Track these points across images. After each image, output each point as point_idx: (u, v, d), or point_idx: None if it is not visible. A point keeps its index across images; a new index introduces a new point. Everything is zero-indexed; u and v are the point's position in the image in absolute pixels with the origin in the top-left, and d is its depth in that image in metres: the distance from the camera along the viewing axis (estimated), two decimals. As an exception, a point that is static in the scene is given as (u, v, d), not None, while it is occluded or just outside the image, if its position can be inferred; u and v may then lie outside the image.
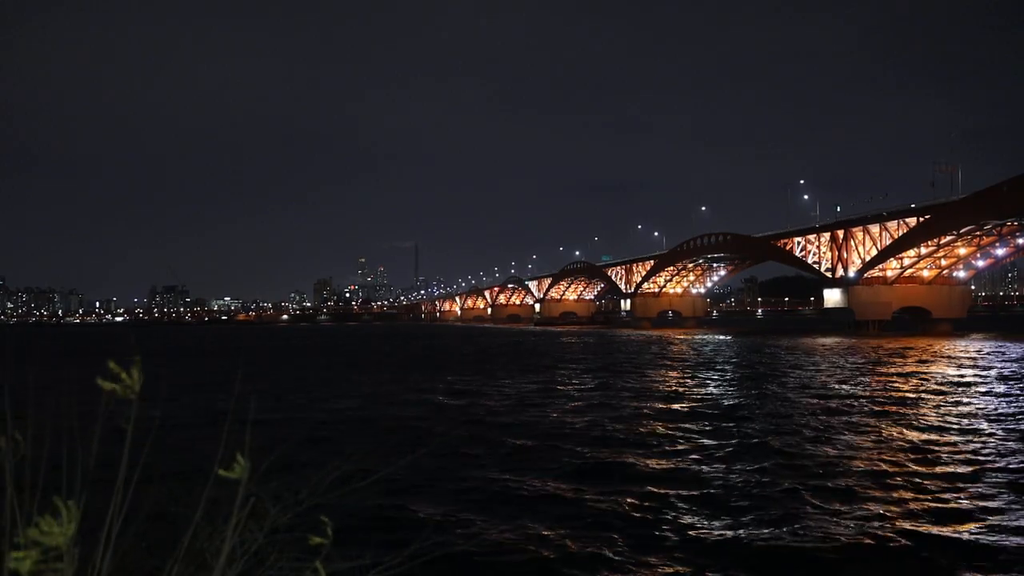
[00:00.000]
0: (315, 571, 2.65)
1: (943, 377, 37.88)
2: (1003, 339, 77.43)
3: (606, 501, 14.11)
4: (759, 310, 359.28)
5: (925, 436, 20.76)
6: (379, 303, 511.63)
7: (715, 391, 33.68)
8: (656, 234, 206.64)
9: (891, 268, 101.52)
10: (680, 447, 19.73)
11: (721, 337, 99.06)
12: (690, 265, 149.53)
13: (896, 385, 34.50)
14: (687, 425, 23.37)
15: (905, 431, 21.64)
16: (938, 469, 16.58)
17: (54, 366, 51.63)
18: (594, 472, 16.82)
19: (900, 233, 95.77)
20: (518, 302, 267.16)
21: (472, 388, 36.14)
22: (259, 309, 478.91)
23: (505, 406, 28.91)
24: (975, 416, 24.45)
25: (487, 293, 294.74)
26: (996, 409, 25.98)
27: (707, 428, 22.79)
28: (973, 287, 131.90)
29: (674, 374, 43.03)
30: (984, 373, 39.73)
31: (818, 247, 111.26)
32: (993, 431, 21.40)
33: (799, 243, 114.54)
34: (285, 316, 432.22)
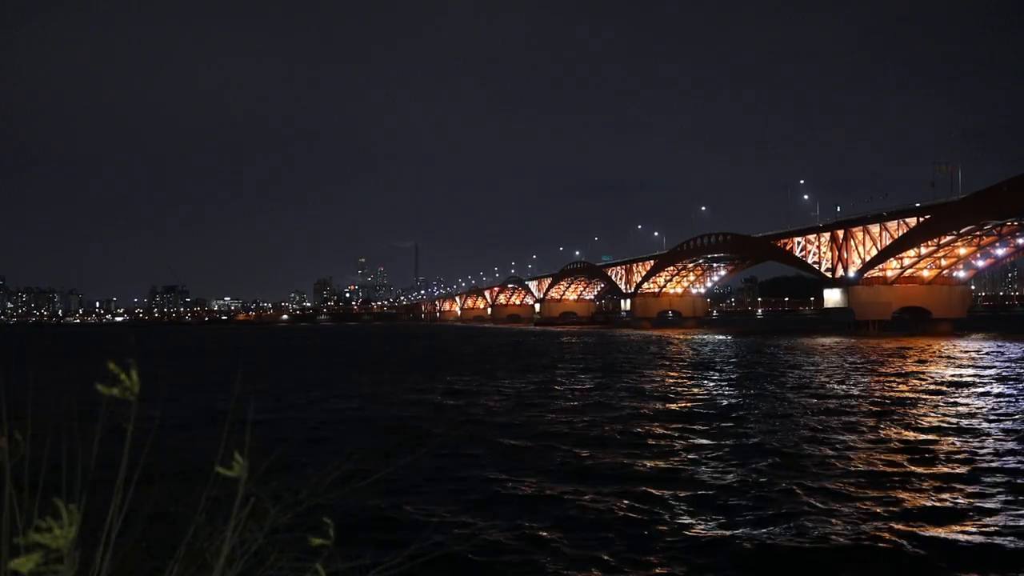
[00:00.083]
0: (315, 572, 2.65)
1: (942, 377, 37.89)
2: (1003, 339, 77.43)
3: (604, 501, 14.12)
4: (759, 310, 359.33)
5: (923, 436, 20.76)
6: (379, 303, 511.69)
7: (714, 391, 33.69)
8: (656, 234, 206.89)
9: (891, 268, 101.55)
10: (678, 447, 19.74)
11: (721, 337, 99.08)
12: (690, 265, 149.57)
13: (895, 385, 34.51)
14: (685, 425, 23.37)
15: (903, 431, 21.65)
16: (936, 469, 16.59)
17: (54, 366, 51.70)
18: (593, 472, 16.84)
19: (900, 233, 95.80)
20: (518, 302, 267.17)
21: (472, 388, 36.15)
22: (259, 309, 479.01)
23: (504, 406, 28.92)
24: (973, 416, 24.45)
25: (487, 293, 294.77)
26: (995, 409, 25.97)
27: (705, 428, 22.80)
28: (973, 287, 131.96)
29: (673, 374, 43.04)
30: (983, 373, 39.73)
31: (818, 247, 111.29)
32: (992, 431, 21.41)
33: (799, 243, 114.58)
34: (285, 316, 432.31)
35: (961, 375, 38.85)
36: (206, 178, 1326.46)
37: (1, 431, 2.59)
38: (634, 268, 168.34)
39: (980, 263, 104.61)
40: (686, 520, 12.91)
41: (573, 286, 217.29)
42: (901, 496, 14.26)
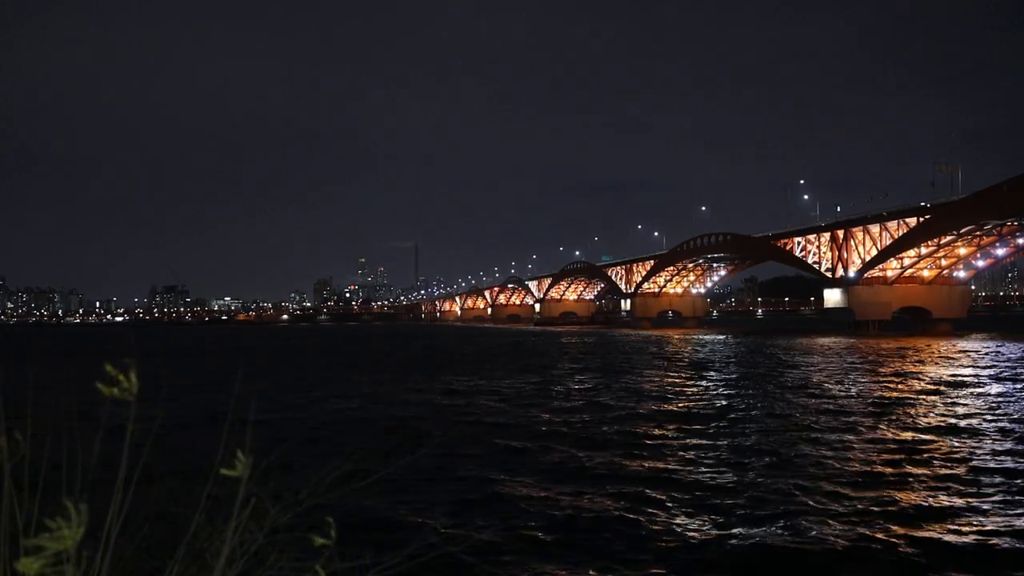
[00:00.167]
0: (315, 572, 2.66)
1: (941, 377, 37.89)
2: (1003, 339, 77.43)
3: (603, 501, 14.14)
4: (759, 310, 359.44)
5: (921, 436, 20.76)
6: (379, 303, 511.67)
7: (712, 391, 33.69)
8: (656, 234, 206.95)
9: (891, 268, 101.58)
10: (677, 448, 19.76)
11: (721, 337, 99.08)
12: (690, 265, 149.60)
13: (893, 385, 34.50)
14: (683, 426, 23.39)
15: (901, 431, 21.65)
16: (934, 470, 16.59)
17: (54, 366, 51.70)
18: (591, 473, 16.86)
19: (900, 233, 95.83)
20: (518, 302, 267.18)
21: (471, 388, 36.17)
22: (259, 309, 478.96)
23: (504, 406, 28.93)
24: (972, 416, 24.44)
25: (487, 293, 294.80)
26: (994, 409, 25.97)
27: (703, 429, 22.80)
28: (973, 287, 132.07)
29: (672, 374, 43.03)
30: (982, 373, 39.73)
31: (818, 247, 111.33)
32: (990, 432, 21.41)
33: (799, 243, 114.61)
34: (285, 316, 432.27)
35: (960, 375, 38.84)
36: (206, 178, 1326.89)
37: (1, 431, 2.59)
38: (634, 268, 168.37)
39: (980, 263, 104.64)
40: (684, 521, 12.93)
41: (573, 286, 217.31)
42: (899, 496, 14.27)
